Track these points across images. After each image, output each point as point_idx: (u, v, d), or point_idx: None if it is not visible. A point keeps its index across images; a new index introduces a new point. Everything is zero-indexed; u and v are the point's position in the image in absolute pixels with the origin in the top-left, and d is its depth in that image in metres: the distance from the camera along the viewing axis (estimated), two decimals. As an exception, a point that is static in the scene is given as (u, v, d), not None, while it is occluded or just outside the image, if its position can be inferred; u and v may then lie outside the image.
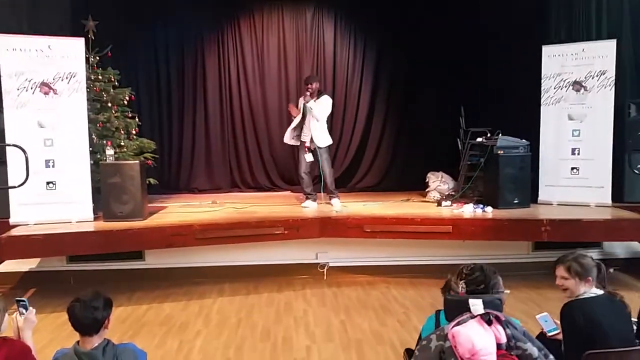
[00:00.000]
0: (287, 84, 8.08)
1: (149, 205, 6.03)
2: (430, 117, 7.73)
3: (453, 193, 6.36)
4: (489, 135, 5.95)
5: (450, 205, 5.79)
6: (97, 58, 6.19)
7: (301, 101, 6.10)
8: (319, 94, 6.08)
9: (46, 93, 5.01)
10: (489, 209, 5.43)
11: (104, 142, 5.91)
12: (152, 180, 6.38)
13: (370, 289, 5.21)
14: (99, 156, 5.67)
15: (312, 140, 5.98)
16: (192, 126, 8.03)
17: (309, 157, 6.02)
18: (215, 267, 5.55)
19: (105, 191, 5.13)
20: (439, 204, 5.87)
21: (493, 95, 6.80)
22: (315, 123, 5.95)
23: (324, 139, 6.06)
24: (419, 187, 7.15)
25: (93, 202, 5.28)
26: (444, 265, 5.66)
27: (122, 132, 6.11)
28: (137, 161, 5.17)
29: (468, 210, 5.45)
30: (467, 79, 7.19)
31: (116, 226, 4.87)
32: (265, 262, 5.60)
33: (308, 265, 5.64)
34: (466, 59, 7.13)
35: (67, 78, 5.05)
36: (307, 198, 6.11)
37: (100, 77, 6.09)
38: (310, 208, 5.93)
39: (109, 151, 5.25)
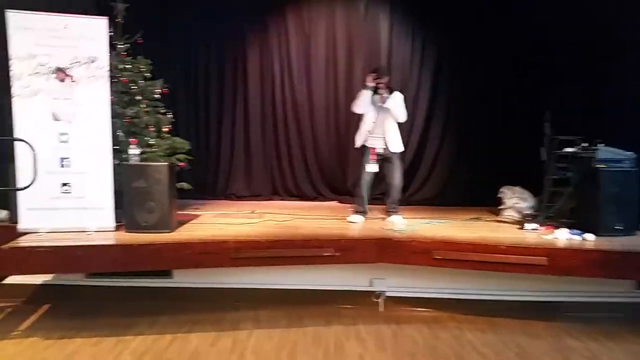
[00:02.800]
0: (335, 82, 7.23)
1: (180, 213, 5.29)
2: (504, 122, 6.70)
3: (536, 213, 5.34)
4: (584, 144, 4.91)
5: (537, 229, 4.78)
6: (127, 45, 5.50)
7: (366, 97, 5.23)
8: (390, 90, 5.26)
9: (62, 80, 4.31)
10: (590, 236, 4.39)
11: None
12: (185, 185, 5.65)
13: (438, 329, 4.25)
14: (124, 156, 4.94)
15: (385, 147, 5.23)
16: (231, 126, 7.30)
17: (374, 167, 5.21)
18: (251, 290, 4.72)
19: (128, 197, 4.38)
20: (522, 227, 4.86)
21: (587, 98, 5.73)
22: (392, 125, 5.21)
23: (400, 143, 5.32)
24: (487, 203, 6.18)
25: (117, 208, 4.57)
26: (528, 303, 4.71)
27: (153, 129, 5.37)
28: (166, 163, 4.40)
29: (562, 237, 4.43)
30: (554, 78, 6.14)
31: (137, 239, 4.10)
32: (308, 287, 4.74)
33: (360, 293, 4.74)
34: (553, 55, 6.09)
35: (85, 63, 4.34)
36: (356, 212, 5.26)
37: (129, 66, 5.39)
38: (358, 224, 5.09)
39: (134, 150, 4.51)
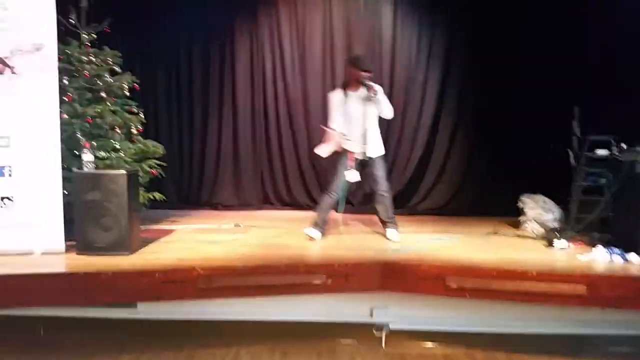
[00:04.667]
0: (333, 77, 6.50)
1: (153, 228, 4.61)
2: (524, 122, 5.95)
3: (562, 226, 4.61)
4: (623, 146, 4.16)
5: (567, 247, 4.04)
6: (93, 35, 4.80)
7: (337, 93, 4.45)
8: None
9: (1, 72, 3.60)
10: (634, 257, 3.64)
11: (93, 143, 4.50)
12: (157, 196, 4.94)
13: (452, 371, 3.51)
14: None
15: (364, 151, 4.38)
16: (218, 127, 6.61)
17: (354, 176, 4.34)
18: (229, 323, 3.96)
19: (79, 212, 3.67)
20: (550, 244, 4.12)
21: (622, 93, 4.98)
22: (374, 126, 4.38)
23: (381, 145, 4.52)
24: (503, 212, 5.46)
25: (69, 224, 3.85)
26: (555, 337, 3.93)
27: (119, 131, 4.66)
28: (124, 171, 3.67)
29: (601, 258, 3.68)
30: (584, 72, 5.40)
31: (87, 264, 3.39)
32: (297, 318, 3.97)
33: (359, 325, 3.97)
34: (583, 46, 5.36)
35: (29, 52, 3.63)
36: (316, 225, 4.47)
37: (92, 58, 4.69)
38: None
39: (87, 156, 3.79)
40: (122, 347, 3.78)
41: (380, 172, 4.44)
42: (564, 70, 5.62)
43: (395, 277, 3.50)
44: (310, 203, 6.49)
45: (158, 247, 3.97)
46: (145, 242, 4.01)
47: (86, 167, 3.76)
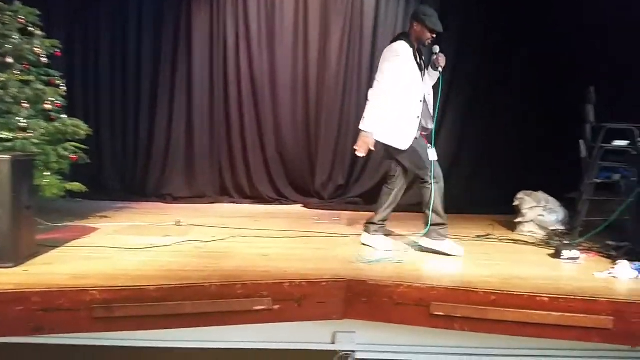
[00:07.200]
0: (306, 53, 5.67)
1: (71, 225, 3.73)
2: (521, 104, 5.21)
3: (569, 231, 3.85)
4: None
5: (577, 259, 3.25)
6: (3, -14, 3.87)
7: (405, 60, 3.37)
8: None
9: None
10: (671, 276, 2.87)
11: (-7, 120, 3.59)
12: (76, 186, 4.01)
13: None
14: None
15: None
16: (169, 106, 5.71)
17: (433, 154, 3.45)
18: (148, 350, 3.09)
19: (-51, 209, 2.76)
20: (557, 255, 3.32)
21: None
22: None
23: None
24: (495, 210, 4.74)
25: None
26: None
27: (27, 105, 3.73)
28: (7, 157, 2.75)
29: (623, 275, 2.89)
30: (595, 46, 4.64)
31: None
32: (238, 345, 3.13)
33: (317, 353, 3.15)
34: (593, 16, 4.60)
35: None
36: (375, 230, 3.59)
37: (-3, 14, 3.76)
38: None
39: (-41, 135, 2.87)
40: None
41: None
42: (569, 50, 4.86)
43: (365, 301, 2.67)
44: (276, 197, 5.64)
45: (57, 256, 3.05)
46: (44, 249, 3.11)
47: (-42, 149, 2.85)
